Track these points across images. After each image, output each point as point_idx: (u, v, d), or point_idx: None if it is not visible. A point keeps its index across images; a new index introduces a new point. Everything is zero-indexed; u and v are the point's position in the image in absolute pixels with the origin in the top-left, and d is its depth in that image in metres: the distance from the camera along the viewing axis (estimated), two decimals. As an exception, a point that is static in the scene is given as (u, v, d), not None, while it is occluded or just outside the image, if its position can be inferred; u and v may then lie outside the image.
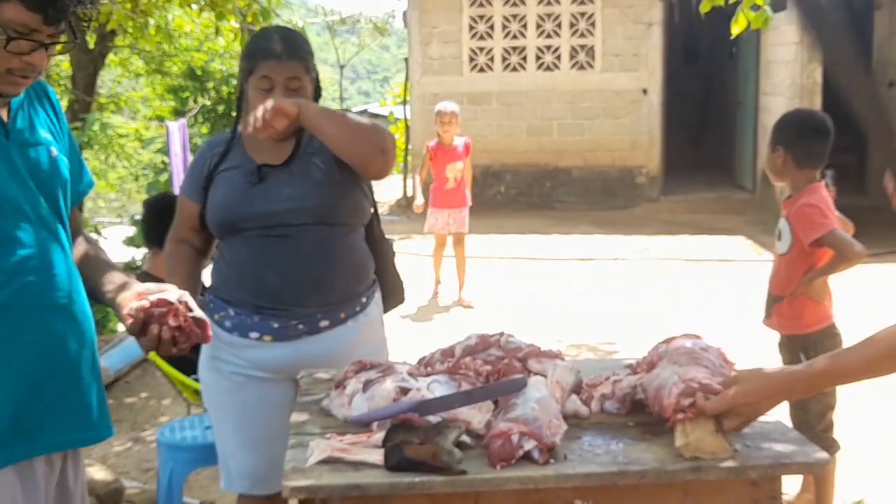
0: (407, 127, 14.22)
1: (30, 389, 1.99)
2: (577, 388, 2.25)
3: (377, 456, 1.90)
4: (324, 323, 2.77)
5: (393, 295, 3.11)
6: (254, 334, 2.76)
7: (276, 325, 2.75)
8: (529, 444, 1.90)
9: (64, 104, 11.30)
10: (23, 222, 1.99)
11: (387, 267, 3.07)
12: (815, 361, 1.97)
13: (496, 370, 2.28)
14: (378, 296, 2.99)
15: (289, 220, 2.72)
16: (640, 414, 2.18)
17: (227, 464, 2.91)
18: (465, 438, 1.99)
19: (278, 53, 2.71)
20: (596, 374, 2.35)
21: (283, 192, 2.74)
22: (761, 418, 2.12)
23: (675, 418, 1.97)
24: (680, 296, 8.23)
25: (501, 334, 2.45)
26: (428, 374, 2.29)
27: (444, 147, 7.95)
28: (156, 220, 4.20)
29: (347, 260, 2.80)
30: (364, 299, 2.87)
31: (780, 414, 2.14)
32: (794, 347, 3.73)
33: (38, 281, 2.00)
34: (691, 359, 2.17)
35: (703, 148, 16.04)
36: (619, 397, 2.21)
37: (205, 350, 2.90)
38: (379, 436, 1.97)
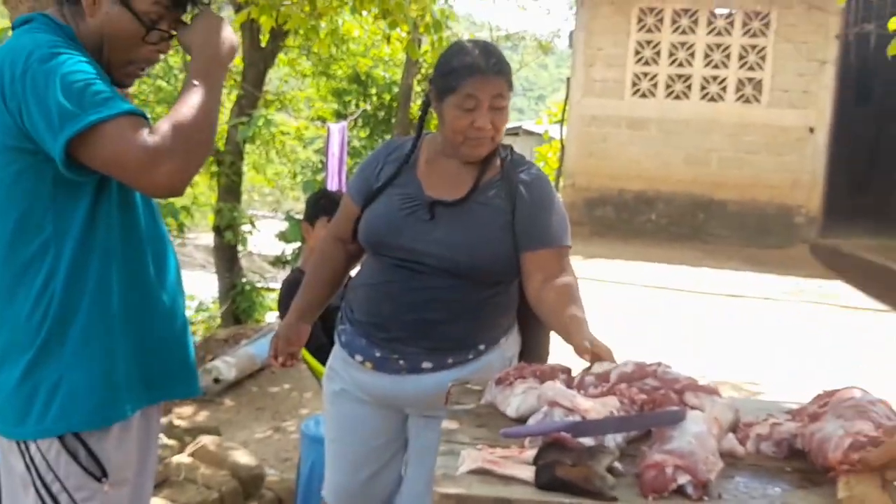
0: (562, 147, 14.19)
1: (159, 345, 2.18)
2: (733, 428, 2.20)
3: (528, 472, 1.89)
4: (426, 365, 2.59)
5: (533, 353, 2.77)
6: (358, 357, 2.67)
7: (377, 355, 2.63)
8: (684, 479, 1.86)
9: (232, 98, 11.65)
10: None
11: (532, 324, 2.72)
12: None
13: (651, 399, 2.24)
14: (509, 342, 2.72)
15: (426, 261, 2.54)
16: (798, 460, 2.10)
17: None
18: (618, 465, 1.97)
19: (483, 69, 2.44)
20: (753, 415, 2.29)
21: (433, 233, 2.54)
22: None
23: (841, 469, 1.90)
24: (832, 343, 7.94)
25: (659, 364, 2.39)
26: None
27: None
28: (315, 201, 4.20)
29: (474, 312, 2.59)
30: (482, 346, 2.63)
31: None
32: None
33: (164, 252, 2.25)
34: (857, 412, 2.08)
35: (868, 193, 15.44)
36: (777, 440, 2.14)
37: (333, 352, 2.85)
38: (531, 452, 1.96)
